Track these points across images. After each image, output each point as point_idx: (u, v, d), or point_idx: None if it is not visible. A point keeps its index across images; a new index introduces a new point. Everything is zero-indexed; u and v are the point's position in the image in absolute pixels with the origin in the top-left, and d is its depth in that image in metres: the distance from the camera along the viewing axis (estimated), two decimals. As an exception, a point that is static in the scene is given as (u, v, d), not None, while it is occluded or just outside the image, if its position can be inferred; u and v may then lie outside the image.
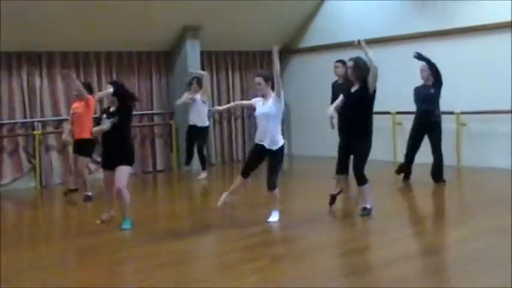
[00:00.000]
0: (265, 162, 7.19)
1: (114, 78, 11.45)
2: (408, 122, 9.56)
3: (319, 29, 12.92)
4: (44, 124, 10.96)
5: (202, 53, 12.18)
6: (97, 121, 7.59)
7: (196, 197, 9.86)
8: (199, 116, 10.84)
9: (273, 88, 7.00)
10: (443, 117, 9.11)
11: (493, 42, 10.18)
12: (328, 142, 12.42)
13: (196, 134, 10.91)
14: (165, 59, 12.30)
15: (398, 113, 11.04)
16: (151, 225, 7.35)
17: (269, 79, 7.02)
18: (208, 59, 12.73)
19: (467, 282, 5.00)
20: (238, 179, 7.29)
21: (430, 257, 5.84)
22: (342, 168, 7.44)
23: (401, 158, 11.01)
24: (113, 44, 11.41)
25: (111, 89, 7.19)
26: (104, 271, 5.74)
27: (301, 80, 13.24)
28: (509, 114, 9.81)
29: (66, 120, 10.92)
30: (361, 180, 7.16)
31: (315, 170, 11.44)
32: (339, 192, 7.70)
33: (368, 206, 7.18)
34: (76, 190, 9.18)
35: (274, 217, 7.12)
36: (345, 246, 6.39)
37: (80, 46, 11.07)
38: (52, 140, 11.01)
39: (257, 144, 7.15)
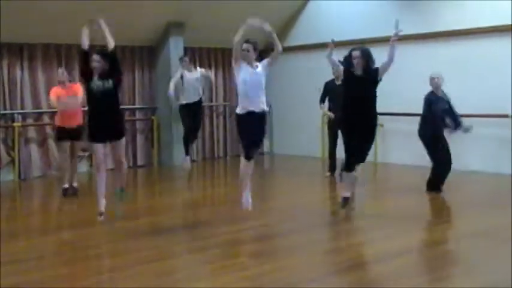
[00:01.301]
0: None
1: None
2: (390, 124, 9.60)
3: (304, 28, 12.95)
4: (24, 116, 10.85)
5: (185, 49, 12.14)
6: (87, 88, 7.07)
7: (177, 192, 9.82)
8: (193, 93, 10.52)
9: (257, 58, 7.00)
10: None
11: (475, 46, 10.28)
12: (311, 141, 12.60)
13: (194, 112, 10.56)
14: (149, 54, 12.24)
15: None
16: (132, 221, 7.30)
17: (257, 48, 7.01)
18: (192, 55, 12.66)
19: (449, 283, 5.06)
20: (243, 165, 6.98)
21: (409, 257, 5.89)
22: (353, 164, 7.28)
23: (381, 159, 11.13)
24: (96, 38, 11.27)
25: (112, 43, 6.94)
26: (81, 266, 5.70)
27: (284, 78, 13.25)
28: (491, 118, 9.93)
29: (46, 112, 10.87)
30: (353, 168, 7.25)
31: (297, 168, 11.47)
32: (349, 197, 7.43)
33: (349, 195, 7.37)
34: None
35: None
36: (326, 244, 6.40)
37: (62, 38, 10.97)
38: (32, 133, 10.90)
39: (249, 113, 6.85)
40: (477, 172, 10.04)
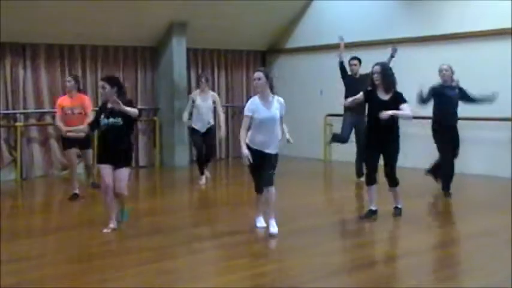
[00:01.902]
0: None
1: (99, 72, 11.41)
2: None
3: (306, 30, 12.95)
4: (27, 116, 10.87)
5: (188, 50, 12.16)
6: (97, 118, 6.96)
7: (179, 193, 9.82)
8: (205, 122, 9.86)
9: (271, 88, 6.63)
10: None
11: (476, 49, 10.27)
12: (313, 143, 12.59)
13: (206, 139, 9.97)
14: (151, 54, 12.25)
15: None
16: (133, 221, 7.30)
17: (269, 77, 6.63)
18: (194, 56, 12.71)
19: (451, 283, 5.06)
20: (257, 199, 6.87)
21: (410, 259, 5.89)
22: (374, 178, 7.34)
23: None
24: (99, 38, 11.34)
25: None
26: (82, 266, 5.70)
27: (286, 80, 13.25)
28: (489, 121, 9.93)
29: (48, 112, 10.88)
30: (396, 181, 7.32)
31: (300, 170, 11.45)
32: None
33: (400, 206, 7.40)
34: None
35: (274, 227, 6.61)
36: (324, 246, 6.39)
37: (65, 39, 10.99)
38: (34, 132, 10.92)
39: (257, 152, 6.53)
40: (476, 175, 10.01)
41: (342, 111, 9.92)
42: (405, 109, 7.07)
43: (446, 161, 8.41)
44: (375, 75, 7.15)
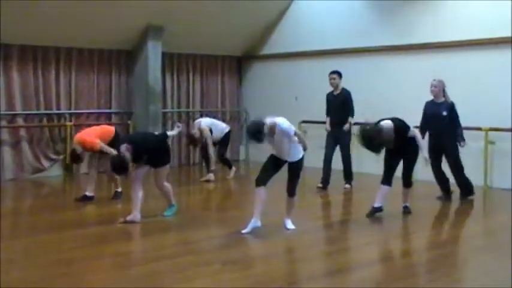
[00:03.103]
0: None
1: (73, 75, 11.32)
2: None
3: (281, 37, 12.98)
4: (-3, 118, 10.72)
5: (163, 54, 12.11)
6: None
7: (152, 198, 9.73)
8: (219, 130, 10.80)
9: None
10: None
11: (449, 59, 10.38)
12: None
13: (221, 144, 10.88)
14: (126, 58, 12.17)
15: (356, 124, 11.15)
16: (106, 226, 7.23)
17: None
18: (170, 60, 12.66)
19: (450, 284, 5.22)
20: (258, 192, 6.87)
21: (393, 263, 5.96)
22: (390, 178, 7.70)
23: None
24: (73, 41, 11.24)
25: None
26: (63, 268, 5.62)
27: (261, 86, 13.30)
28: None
29: (20, 114, 10.75)
30: (411, 183, 7.86)
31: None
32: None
33: (408, 205, 7.88)
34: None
35: (291, 225, 7.04)
36: (301, 252, 6.40)
37: (39, 40, 10.86)
38: (5, 135, 10.75)
39: (276, 158, 6.90)
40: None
41: (315, 118, 9.93)
42: (418, 137, 7.62)
43: (433, 167, 8.66)
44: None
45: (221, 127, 10.89)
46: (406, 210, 7.85)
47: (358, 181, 9.94)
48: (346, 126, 9.68)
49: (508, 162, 9.69)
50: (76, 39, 11.19)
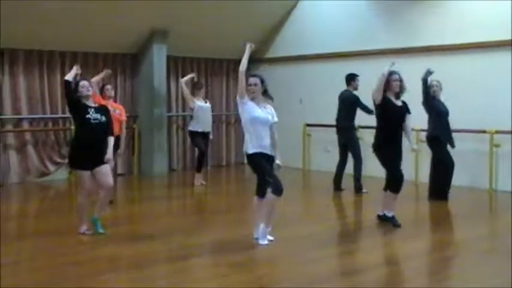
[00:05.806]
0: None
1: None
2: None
3: (285, 40, 13.01)
4: (3, 122, 10.74)
5: (168, 57, 12.13)
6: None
7: (158, 201, 9.77)
8: (208, 122, 10.71)
9: (264, 93, 6.58)
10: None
11: (454, 61, 10.38)
12: (292, 153, 12.59)
13: (205, 140, 10.67)
14: (131, 62, 12.20)
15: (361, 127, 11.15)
16: (112, 228, 7.24)
17: (264, 83, 6.65)
18: (175, 64, 12.68)
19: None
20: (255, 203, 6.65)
21: (390, 267, 5.94)
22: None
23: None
24: (79, 45, 11.27)
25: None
26: (58, 273, 5.63)
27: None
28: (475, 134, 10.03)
29: (26, 119, 10.79)
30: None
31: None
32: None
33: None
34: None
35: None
36: (303, 256, 6.40)
37: (44, 45, 10.90)
38: (11, 139, 10.79)
39: (261, 155, 6.40)
40: (460, 187, 10.09)
41: (320, 121, 9.91)
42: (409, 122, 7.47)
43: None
44: (396, 82, 7.41)
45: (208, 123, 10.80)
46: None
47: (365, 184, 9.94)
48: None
49: (513, 165, 9.68)
50: (81, 43, 11.23)
